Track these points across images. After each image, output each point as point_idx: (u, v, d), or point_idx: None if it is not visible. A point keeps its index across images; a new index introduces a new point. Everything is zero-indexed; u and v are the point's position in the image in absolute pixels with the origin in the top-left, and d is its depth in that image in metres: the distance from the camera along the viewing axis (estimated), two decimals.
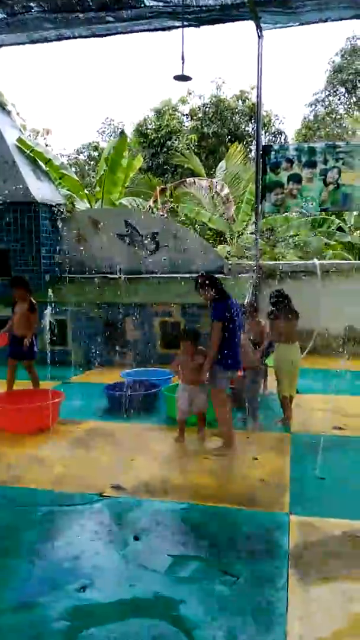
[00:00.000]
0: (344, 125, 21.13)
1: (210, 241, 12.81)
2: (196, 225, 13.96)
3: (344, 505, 3.64)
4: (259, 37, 8.85)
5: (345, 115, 23.73)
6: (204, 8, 7.88)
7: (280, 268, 9.60)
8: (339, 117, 23.99)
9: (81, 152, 25.27)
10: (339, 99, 25.01)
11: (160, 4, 7.78)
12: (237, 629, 2.39)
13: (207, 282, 4.77)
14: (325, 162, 8.79)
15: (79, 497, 3.75)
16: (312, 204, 9.01)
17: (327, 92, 24.81)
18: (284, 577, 2.78)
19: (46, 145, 13.84)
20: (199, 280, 4.80)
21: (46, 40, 9.27)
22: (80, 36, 9.10)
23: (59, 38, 9.21)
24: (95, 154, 24.28)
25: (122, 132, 11.88)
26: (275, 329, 5.41)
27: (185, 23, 7.19)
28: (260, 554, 3.02)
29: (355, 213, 12.17)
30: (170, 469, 4.25)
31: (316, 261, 9.60)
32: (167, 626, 2.40)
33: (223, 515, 3.48)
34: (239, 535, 3.22)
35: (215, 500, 3.69)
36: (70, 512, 3.54)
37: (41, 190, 9.35)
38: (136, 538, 3.18)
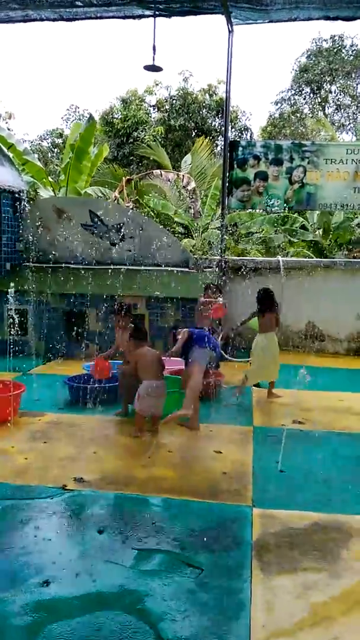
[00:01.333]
0: (307, 125, 21.49)
1: (176, 235, 12.79)
2: (161, 218, 13.89)
3: (304, 497, 3.72)
4: (229, 31, 8.84)
5: (310, 115, 24.15)
6: None
7: (245, 264, 9.70)
8: (303, 116, 24.38)
9: (45, 139, 24.73)
10: (304, 99, 25.43)
11: None
12: (201, 620, 2.41)
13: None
14: (292, 160, 8.90)
15: (41, 489, 3.68)
16: (277, 202, 9.11)
17: (293, 91, 25.18)
18: (248, 569, 2.82)
19: (8, 129, 13.46)
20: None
21: (11, 20, 8.97)
22: (47, 19, 8.85)
23: (25, 19, 8.93)
24: (59, 141, 23.80)
25: (91, 118, 11.64)
26: (263, 322, 6.20)
27: (157, 12, 7.10)
28: (224, 546, 3.04)
29: (317, 212, 12.40)
30: (133, 462, 4.23)
31: (280, 258, 9.75)
32: (133, 619, 2.39)
33: (186, 508, 3.49)
34: (202, 527, 3.24)
35: (178, 493, 3.69)
36: (32, 505, 3.47)
37: (3, 175, 9.08)
38: (100, 531, 3.15)
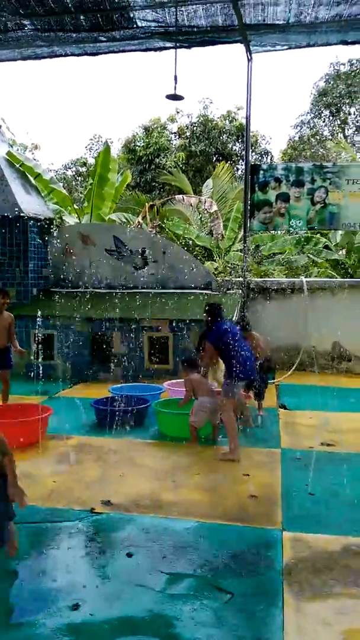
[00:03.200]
0: (328, 147, 21.58)
1: (199, 258, 12.89)
2: (183, 241, 14.04)
3: (335, 520, 3.64)
4: (248, 60, 9.05)
5: (329, 137, 24.28)
6: (195, 29, 8.06)
7: (268, 285, 9.71)
8: (323, 138, 24.53)
9: (69, 168, 25.38)
10: (323, 121, 25.60)
11: (153, 24, 7.94)
12: None
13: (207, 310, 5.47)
14: (313, 181, 8.96)
15: (69, 513, 3.69)
16: (299, 222, 9.15)
17: (312, 115, 25.38)
18: (279, 593, 2.77)
19: (34, 160, 13.90)
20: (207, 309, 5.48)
21: (37, 57, 9.38)
22: (72, 54, 9.22)
23: (51, 55, 9.32)
24: (83, 169, 24.41)
25: (106, 143, 11.95)
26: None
27: (177, 44, 7.33)
28: (254, 570, 3.00)
29: (340, 232, 12.38)
30: (160, 485, 4.22)
31: (303, 278, 9.73)
32: None
33: (215, 532, 3.45)
34: (231, 551, 3.20)
35: (206, 517, 3.66)
36: (61, 528, 3.48)
37: (30, 204, 9.36)
38: (129, 555, 3.13)
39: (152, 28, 8.06)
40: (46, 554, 3.17)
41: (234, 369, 4.91)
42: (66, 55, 9.24)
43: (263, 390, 6.27)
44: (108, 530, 3.46)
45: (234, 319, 8.10)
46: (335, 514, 3.75)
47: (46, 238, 9.64)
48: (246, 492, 4.08)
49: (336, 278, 11.60)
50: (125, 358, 8.31)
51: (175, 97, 6.88)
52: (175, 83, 6.71)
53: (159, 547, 3.24)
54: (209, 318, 5.39)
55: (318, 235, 12.39)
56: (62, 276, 9.82)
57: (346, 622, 2.55)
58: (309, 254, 12.46)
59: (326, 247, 12.48)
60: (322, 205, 9.00)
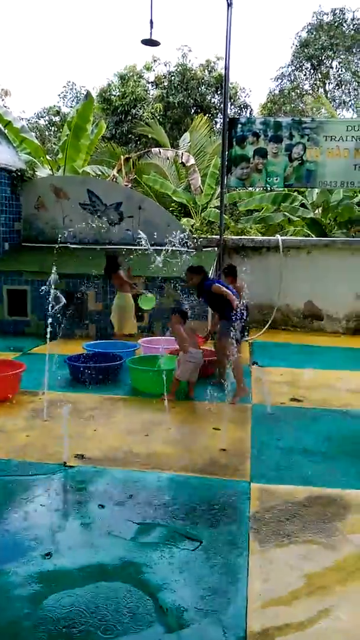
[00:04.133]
0: (307, 102, 21.14)
1: (175, 214, 12.70)
2: (160, 197, 13.78)
3: (301, 472, 3.78)
4: (228, 4, 8.66)
5: (310, 92, 23.77)
6: None
7: (244, 243, 9.67)
8: (304, 92, 24.00)
9: (42, 117, 24.39)
10: (304, 75, 24.98)
11: None
12: (199, 590, 2.48)
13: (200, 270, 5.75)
14: (291, 137, 8.81)
15: (42, 466, 3.74)
16: (276, 179, 9.04)
17: (293, 67, 24.72)
18: (245, 541, 2.89)
19: (5, 107, 13.26)
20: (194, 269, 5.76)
21: None
22: None
23: None
24: (57, 119, 23.47)
25: (88, 94, 11.45)
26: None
27: None
28: (223, 519, 3.11)
29: (317, 190, 12.30)
30: (133, 439, 4.29)
31: (279, 237, 9.71)
32: (133, 589, 2.46)
33: (186, 484, 3.55)
34: (201, 502, 3.31)
35: (178, 469, 3.76)
36: (34, 481, 3.53)
37: (0, 153, 8.99)
38: (101, 506, 3.21)
39: None
40: (19, 506, 3.22)
41: (232, 312, 5.20)
42: None
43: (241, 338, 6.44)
44: (81, 483, 3.52)
45: (210, 276, 8.09)
46: (301, 466, 3.89)
47: (18, 190, 9.33)
48: (217, 445, 4.19)
49: (312, 237, 11.63)
50: (100, 315, 8.27)
51: (151, 42, 6.59)
52: (151, 28, 6.42)
53: (131, 498, 3.32)
54: (196, 281, 5.69)
55: (295, 193, 12.30)
56: (34, 231, 9.58)
57: (308, 566, 2.69)
58: (285, 212, 12.40)
59: (302, 205, 12.42)
60: (300, 162, 8.88)
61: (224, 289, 5.52)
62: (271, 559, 2.75)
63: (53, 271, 5.25)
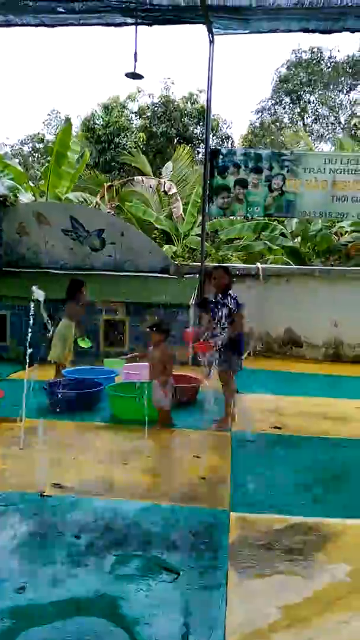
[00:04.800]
0: (285, 136, 21.73)
1: (157, 241, 12.83)
2: (142, 224, 13.93)
3: (280, 501, 3.76)
4: (210, 41, 8.95)
5: (289, 125, 24.50)
6: (156, 7, 7.89)
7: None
8: (283, 126, 24.72)
9: (25, 144, 24.61)
10: (284, 108, 25.77)
11: None
12: (178, 623, 2.43)
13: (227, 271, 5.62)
14: (271, 168, 9.03)
15: (19, 496, 3.66)
16: (257, 209, 9.22)
17: (273, 101, 25.50)
18: (224, 572, 2.85)
19: None
20: (212, 273, 5.65)
21: None
22: (29, 24, 8.84)
23: (6, 24, 8.91)
24: (40, 145, 23.70)
25: (68, 120, 11.65)
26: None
27: (138, 21, 7.16)
28: (201, 550, 3.07)
29: (296, 220, 12.57)
30: (112, 467, 4.24)
31: (259, 265, 9.86)
32: (108, 624, 2.39)
33: (164, 513, 3.50)
34: (180, 532, 3.26)
35: (156, 498, 3.71)
36: (9, 511, 3.45)
37: None
38: (77, 537, 3.14)
39: (113, 2, 7.83)
40: None
41: (241, 341, 5.22)
42: (22, 25, 8.85)
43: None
44: (57, 513, 3.45)
45: (191, 303, 8.15)
46: (280, 494, 3.88)
47: (0, 215, 9.34)
48: (196, 474, 4.16)
49: (291, 265, 11.82)
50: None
51: (135, 75, 6.76)
52: (135, 61, 6.60)
53: (108, 528, 3.26)
54: (225, 282, 5.49)
55: (275, 223, 12.55)
56: (16, 256, 9.56)
57: (287, 597, 2.66)
58: (265, 241, 12.62)
59: (282, 234, 12.66)
60: (280, 192, 9.09)
61: (244, 323, 5.42)
62: (250, 590, 2.72)
63: (34, 293, 5.13)
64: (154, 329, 5.44)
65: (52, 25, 8.80)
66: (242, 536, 3.25)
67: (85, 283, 6.95)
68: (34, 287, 4.90)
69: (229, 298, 5.47)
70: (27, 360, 5.17)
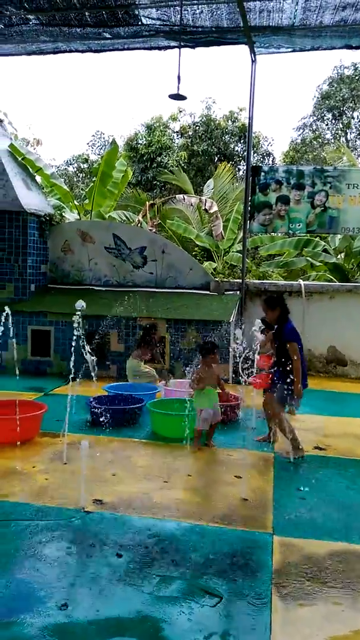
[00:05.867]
0: (326, 152, 21.54)
1: (198, 258, 12.89)
2: (183, 241, 14.04)
3: (325, 526, 3.65)
4: (252, 61, 9.03)
5: (332, 141, 24.28)
6: (200, 29, 8.05)
7: (265, 287, 9.70)
8: (325, 142, 24.53)
9: (71, 164, 25.32)
10: (326, 125, 25.58)
11: (157, 22, 7.92)
12: None
13: (275, 302, 5.05)
14: (314, 185, 8.96)
15: (60, 511, 3.69)
16: (299, 225, 9.15)
17: (315, 118, 25.37)
18: (267, 598, 2.77)
19: (36, 154, 13.84)
20: (269, 301, 5.10)
21: (42, 52, 9.35)
22: (76, 50, 9.20)
23: (55, 51, 9.29)
24: (85, 166, 24.35)
25: (114, 142, 11.92)
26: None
27: (182, 43, 7.31)
28: (244, 574, 3.00)
29: (339, 236, 12.38)
30: (152, 485, 4.22)
31: (301, 281, 9.73)
32: None
33: (206, 534, 3.45)
34: (222, 554, 3.20)
35: (197, 518, 3.66)
36: (51, 526, 3.48)
37: (30, 199, 9.34)
38: (119, 555, 3.13)
39: (157, 26, 8.04)
40: (35, 552, 3.16)
41: (292, 379, 4.80)
42: (70, 51, 9.22)
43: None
44: (99, 529, 3.46)
45: (231, 320, 8.11)
46: (326, 519, 3.76)
47: (46, 234, 9.62)
48: (238, 494, 4.09)
49: (334, 282, 11.61)
50: (121, 356, 8.30)
51: (178, 96, 6.86)
52: (179, 83, 6.69)
53: (149, 548, 3.24)
54: (280, 313, 4.99)
55: (317, 239, 12.39)
56: (60, 273, 9.80)
57: (332, 628, 2.56)
58: (307, 257, 12.46)
59: (325, 250, 12.48)
60: (322, 208, 9.00)
61: (298, 355, 4.84)
62: (295, 618, 2.63)
63: (79, 310, 5.17)
64: (210, 351, 5.26)
65: (99, 51, 9.12)
66: (286, 561, 3.16)
67: (157, 326, 7.71)
68: (77, 305, 4.95)
69: (283, 332, 5.01)
70: (71, 376, 5.23)
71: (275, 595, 2.80)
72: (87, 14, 7.79)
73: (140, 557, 3.12)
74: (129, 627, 2.50)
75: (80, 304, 4.95)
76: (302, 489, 4.25)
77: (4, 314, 5.05)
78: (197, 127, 22.06)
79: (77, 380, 7.24)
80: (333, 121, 25.19)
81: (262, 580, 2.94)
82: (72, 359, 5.17)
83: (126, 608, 2.63)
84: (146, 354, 7.38)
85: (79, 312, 4.95)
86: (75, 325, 4.90)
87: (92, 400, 6.01)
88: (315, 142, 24.76)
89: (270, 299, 5.09)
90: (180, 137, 22.31)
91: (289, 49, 8.93)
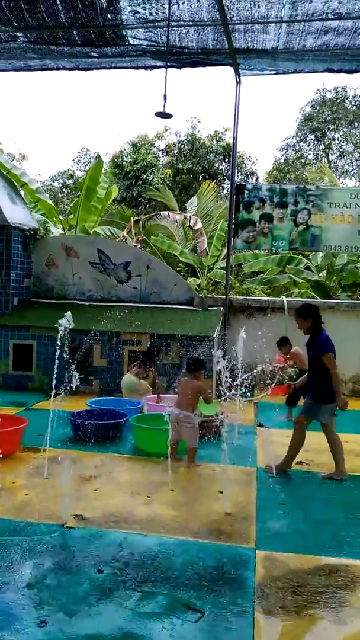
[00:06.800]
0: (308, 173, 21.98)
1: (182, 274, 12.96)
2: (167, 257, 14.12)
3: (308, 540, 3.64)
4: (237, 82, 9.23)
5: (314, 161, 24.79)
6: (185, 50, 8.22)
7: (249, 303, 9.78)
8: (308, 162, 25.03)
9: (56, 179, 25.40)
10: (308, 145, 26.14)
11: (145, 43, 8.07)
12: None
13: (308, 312, 4.85)
14: (296, 203, 9.12)
15: (41, 526, 3.62)
16: (282, 243, 9.28)
17: (298, 138, 25.90)
18: (250, 613, 2.75)
19: (22, 170, 13.86)
20: (301, 310, 4.89)
21: (29, 69, 9.44)
22: (64, 68, 9.31)
23: (43, 68, 9.39)
24: (70, 181, 24.44)
25: (98, 157, 12.03)
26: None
27: (168, 64, 7.46)
28: (227, 588, 2.97)
29: (321, 254, 12.58)
30: (135, 500, 4.18)
31: (284, 298, 9.83)
32: None
33: (188, 549, 3.42)
34: (204, 569, 3.17)
35: (180, 533, 3.63)
36: (31, 542, 3.41)
37: (15, 213, 9.33)
38: (100, 571, 3.08)
39: (144, 46, 8.19)
40: (14, 568, 3.09)
41: (331, 386, 4.67)
42: (58, 68, 9.32)
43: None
44: (79, 545, 3.40)
45: (215, 335, 8.14)
46: (308, 534, 3.75)
47: (30, 248, 9.59)
48: (221, 509, 4.07)
49: (316, 299, 11.76)
50: (105, 371, 8.26)
51: (164, 115, 6.97)
52: (165, 101, 6.81)
53: (131, 563, 3.19)
54: (313, 322, 4.80)
55: (300, 256, 12.57)
56: (44, 287, 9.76)
57: None
58: (290, 274, 12.62)
59: (307, 268, 12.66)
60: (305, 226, 9.15)
61: (335, 365, 4.63)
62: (278, 633, 2.61)
63: (62, 323, 5.16)
64: (194, 366, 5.26)
65: (86, 69, 9.24)
66: (269, 576, 3.14)
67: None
68: (65, 315, 4.93)
69: (317, 342, 4.82)
70: (53, 391, 5.18)
71: (257, 610, 2.77)
72: (75, 32, 7.91)
73: (122, 573, 3.08)
74: None
75: (68, 319, 4.93)
76: (284, 504, 4.25)
77: None
78: (182, 146, 22.36)
79: (60, 395, 7.18)
80: (315, 142, 25.76)
81: (245, 595, 2.91)
82: (55, 373, 5.12)
83: (107, 624, 2.58)
84: (144, 372, 7.40)
85: (63, 327, 4.94)
86: (59, 339, 4.88)
87: (74, 414, 5.96)
88: (297, 162, 25.26)
89: (303, 308, 4.91)
90: (166, 155, 22.57)
91: (273, 72, 9.15)
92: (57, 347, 5.05)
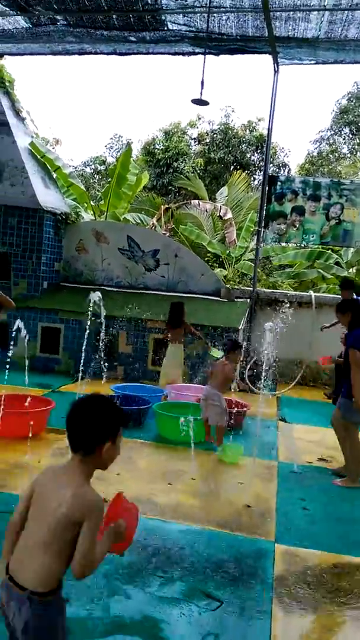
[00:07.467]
0: (345, 165, 21.53)
1: (209, 264, 12.91)
2: (195, 247, 14.07)
3: (327, 537, 3.63)
4: (275, 71, 9.08)
5: (348, 155, 24.29)
6: (225, 37, 8.10)
7: (276, 297, 9.70)
8: (342, 156, 24.53)
9: (88, 165, 25.48)
10: (343, 139, 25.59)
11: (184, 28, 7.98)
12: None
13: (346, 307, 4.79)
14: (329, 197, 8.96)
15: None
16: (313, 237, 9.15)
17: (332, 132, 25.38)
18: (267, 606, 2.76)
19: (55, 154, 13.94)
20: (340, 305, 4.86)
21: (67, 52, 9.44)
22: (102, 53, 9.28)
23: (81, 52, 9.37)
24: (102, 167, 24.50)
25: (128, 144, 12.03)
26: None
27: (207, 50, 7.36)
28: (245, 580, 2.99)
29: (351, 249, 12.36)
30: (155, 487, 4.22)
31: (312, 293, 9.72)
32: None
33: (208, 538, 3.45)
34: (223, 559, 3.19)
35: (201, 522, 3.65)
36: None
37: (48, 197, 9.41)
38: (121, 555, 3.13)
39: (183, 32, 8.10)
40: None
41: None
42: (96, 53, 9.30)
43: None
44: None
45: (241, 327, 8.11)
46: (328, 530, 3.74)
47: (61, 232, 9.68)
48: (241, 501, 4.07)
49: None
50: (130, 358, 8.32)
51: (200, 102, 6.91)
52: (202, 88, 6.74)
53: (152, 549, 3.23)
54: (352, 317, 4.63)
55: (329, 251, 12.38)
56: (73, 272, 9.85)
57: (334, 639, 2.54)
58: (319, 269, 12.44)
59: (337, 263, 12.46)
60: (337, 221, 9.00)
61: (357, 363, 4.38)
62: (294, 628, 2.62)
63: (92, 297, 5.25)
64: (228, 346, 5.52)
65: (124, 54, 9.19)
66: (288, 570, 3.14)
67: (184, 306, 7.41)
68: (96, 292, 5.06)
69: (349, 336, 4.64)
70: (80, 373, 5.25)
71: (275, 604, 2.78)
72: (114, 16, 7.87)
73: (143, 558, 3.12)
74: (129, 626, 2.50)
75: (97, 295, 5.04)
76: (304, 499, 4.23)
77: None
78: (215, 135, 22.16)
79: (86, 379, 7.26)
80: (350, 136, 25.20)
81: (263, 588, 2.92)
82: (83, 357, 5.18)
83: (127, 607, 2.63)
84: (181, 335, 7.21)
85: (92, 305, 5.04)
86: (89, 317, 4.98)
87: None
88: (331, 155, 24.77)
89: (342, 303, 4.90)
90: (198, 144, 22.41)
91: (312, 61, 8.96)
92: (83, 333, 5.12)
